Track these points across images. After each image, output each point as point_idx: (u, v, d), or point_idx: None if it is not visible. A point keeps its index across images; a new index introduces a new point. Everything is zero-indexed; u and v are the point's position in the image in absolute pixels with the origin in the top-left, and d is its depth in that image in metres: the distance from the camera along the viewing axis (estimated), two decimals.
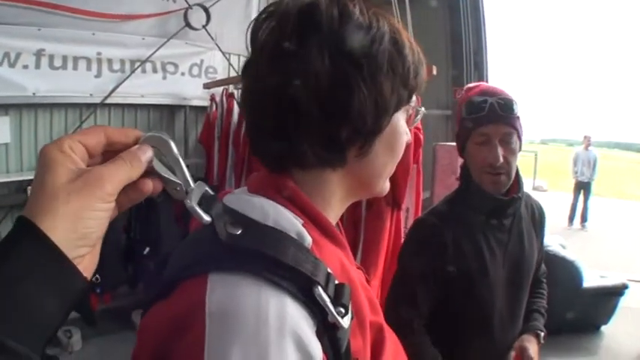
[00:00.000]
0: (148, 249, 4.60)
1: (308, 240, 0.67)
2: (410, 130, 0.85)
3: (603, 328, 5.31)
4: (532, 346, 1.75)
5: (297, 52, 0.70)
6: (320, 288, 0.62)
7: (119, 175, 0.55)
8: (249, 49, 0.77)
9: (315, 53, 0.69)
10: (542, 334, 1.82)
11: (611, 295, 5.23)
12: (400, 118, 0.80)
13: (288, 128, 0.72)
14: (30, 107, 4.45)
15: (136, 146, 0.59)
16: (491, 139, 1.67)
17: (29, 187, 4.22)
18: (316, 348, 0.60)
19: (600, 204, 14.29)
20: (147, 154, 0.58)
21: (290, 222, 0.68)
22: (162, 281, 0.66)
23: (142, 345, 0.66)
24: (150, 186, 0.60)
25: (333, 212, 0.81)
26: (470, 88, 1.80)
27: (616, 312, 5.30)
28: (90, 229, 0.52)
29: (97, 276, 4.16)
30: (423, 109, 0.86)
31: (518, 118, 1.68)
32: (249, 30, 0.76)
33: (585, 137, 11.99)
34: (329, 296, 0.62)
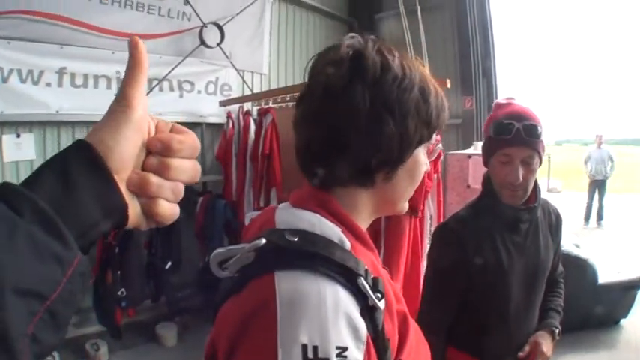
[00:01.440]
0: (169, 264, 4.66)
1: (348, 244, 0.84)
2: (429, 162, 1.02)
3: (623, 321, 5.37)
4: (546, 342, 1.85)
5: (345, 93, 0.87)
6: (362, 279, 0.79)
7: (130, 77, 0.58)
8: (306, 82, 0.95)
9: (359, 95, 0.87)
10: (557, 330, 1.91)
11: (628, 289, 5.30)
12: (421, 152, 0.97)
13: (332, 154, 0.90)
14: (53, 125, 4.51)
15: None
16: (514, 160, 1.76)
17: None
18: (362, 325, 0.76)
19: (616, 201, 14.28)
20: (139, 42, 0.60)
21: (332, 230, 0.85)
22: (234, 281, 0.82)
23: (219, 330, 0.84)
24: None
25: (364, 222, 0.98)
26: (500, 106, 1.87)
27: (634, 305, 5.39)
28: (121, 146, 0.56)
29: (123, 290, 4.27)
30: (440, 145, 1.03)
31: (541, 141, 1.77)
32: (308, 68, 0.95)
33: (597, 136, 12.03)
34: (369, 285, 0.79)
